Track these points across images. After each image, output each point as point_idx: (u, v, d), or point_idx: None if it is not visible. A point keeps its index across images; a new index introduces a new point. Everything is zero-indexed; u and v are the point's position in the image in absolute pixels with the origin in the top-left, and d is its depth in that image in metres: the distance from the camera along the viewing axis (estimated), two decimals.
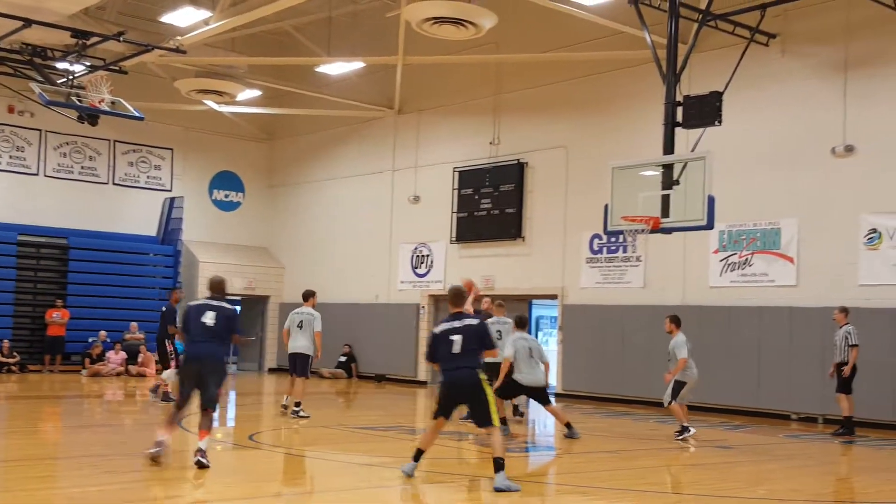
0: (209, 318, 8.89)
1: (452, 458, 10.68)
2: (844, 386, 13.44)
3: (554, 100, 19.79)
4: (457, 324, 8.28)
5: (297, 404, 13.54)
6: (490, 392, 8.20)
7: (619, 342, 17.89)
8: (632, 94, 18.09)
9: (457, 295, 8.50)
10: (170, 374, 14.75)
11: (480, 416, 8.14)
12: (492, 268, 20.59)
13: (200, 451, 8.59)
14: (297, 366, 13.70)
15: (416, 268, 22.47)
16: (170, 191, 25.51)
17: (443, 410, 8.32)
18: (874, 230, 14.89)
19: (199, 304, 9.16)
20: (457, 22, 15.78)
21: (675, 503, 8.13)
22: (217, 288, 9.21)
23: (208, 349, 8.88)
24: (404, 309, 22.44)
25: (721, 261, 16.64)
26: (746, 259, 16.32)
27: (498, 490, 7.74)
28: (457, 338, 8.12)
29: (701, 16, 14.45)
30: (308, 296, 14.16)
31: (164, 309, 15.57)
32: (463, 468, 10.00)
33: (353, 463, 9.99)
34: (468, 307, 11.29)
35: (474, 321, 8.36)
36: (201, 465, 8.48)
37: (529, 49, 19.73)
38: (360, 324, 23.39)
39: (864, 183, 15.07)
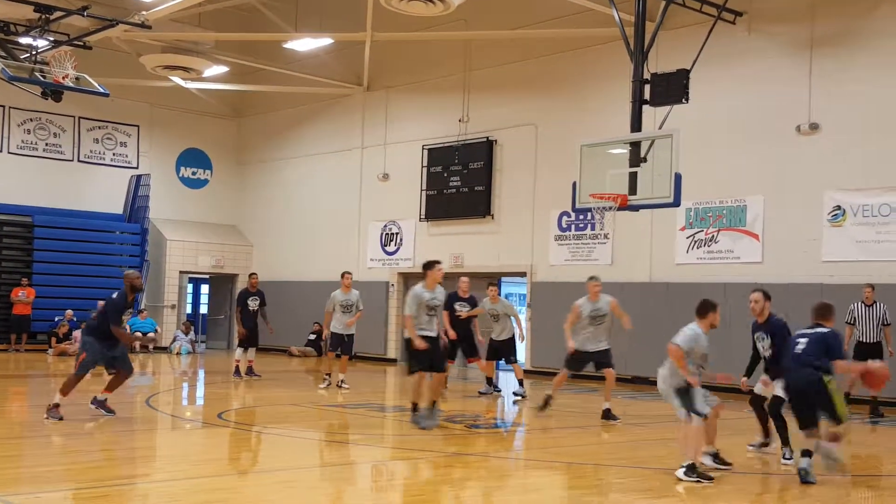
0: None
1: (421, 435, 10.74)
2: None
3: (523, 77, 19.78)
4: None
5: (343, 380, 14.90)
6: None
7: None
8: (600, 72, 18.12)
9: (827, 308, 8.49)
10: (239, 353, 16.39)
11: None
12: (461, 246, 20.62)
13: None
14: (347, 345, 14.98)
15: (386, 245, 22.46)
16: (136, 168, 25.24)
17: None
18: (838, 207, 15.08)
19: None
20: None
21: (640, 477, 8.24)
22: None
23: None
24: (374, 287, 22.42)
25: (688, 238, 16.79)
26: (713, 236, 16.48)
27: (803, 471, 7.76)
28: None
29: None
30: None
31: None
32: (430, 444, 10.06)
33: (323, 440, 10.02)
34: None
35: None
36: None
37: (499, 26, 19.69)
38: None
39: (829, 160, 15.24)
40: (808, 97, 15.45)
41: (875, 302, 13.15)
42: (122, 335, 10.56)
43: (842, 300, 14.35)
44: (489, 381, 14.67)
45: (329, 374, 15.14)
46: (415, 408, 10.45)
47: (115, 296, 10.66)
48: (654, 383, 11.72)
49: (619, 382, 16.72)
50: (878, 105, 14.80)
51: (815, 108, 15.40)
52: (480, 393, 14.55)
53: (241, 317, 16.15)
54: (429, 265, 10.62)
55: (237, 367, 16.20)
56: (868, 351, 13.02)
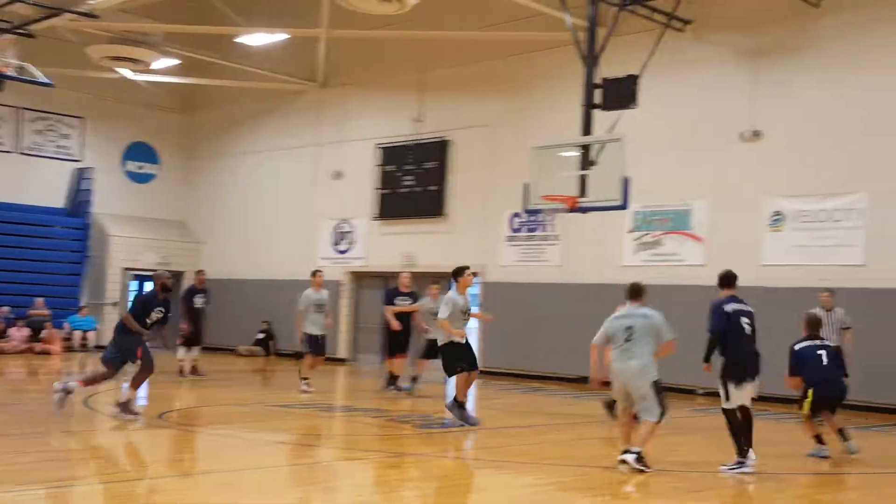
0: None
1: (369, 436, 10.73)
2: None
3: (478, 78, 19.85)
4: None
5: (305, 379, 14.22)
6: None
7: (537, 319, 18.13)
8: (553, 75, 18.26)
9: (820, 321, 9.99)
10: (181, 352, 15.91)
11: None
12: (414, 245, 20.60)
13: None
14: (323, 346, 14.49)
15: (338, 244, 22.35)
16: (80, 161, 24.76)
17: None
18: (778, 213, 15.44)
19: None
20: None
21: (583, 475, 8.33)
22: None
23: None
24: (325, 286, 22.25)
25: (634, 240, 17.01)
26: (658, 239, 16.72)
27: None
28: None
29: (620, 0, 14.66)
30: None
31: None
32: (378, 445, 10.05)
33: (269, 441, 9.94)
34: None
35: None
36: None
37: (455, 27, 19.71)
38: (279, 300, 23.14)
39: (770, 167, 15.58)
40: (751, 105, 15.75)
41: (834, 307, 12.98)
42: (139, 331, 10.83)
43: (780, 303, 14.72)
44: (414, 379, 14.39)
45: (308, 378, 14.28)
46: (461, 405, 10.83)
47: (146, 292, 11.01)
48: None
49: (563, 382, 16.93)
50: (816, 114, 15.17)
51: (757, 115, 15.71)
52: (400, 389, 14.35)
53: (187, 314, 15.87)
54: (459, 271, 11.06)
55: (181, 366, 15.90)
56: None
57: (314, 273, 14.93)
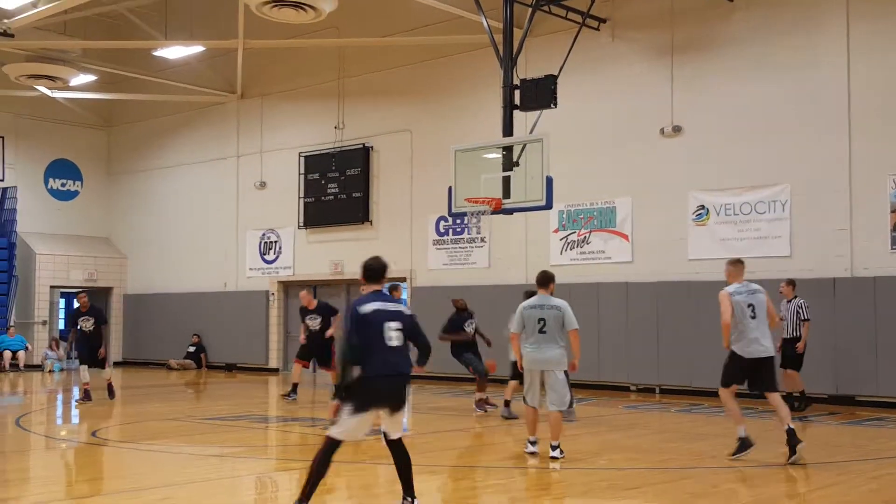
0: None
1: (305, 445, 10.74)
2: (796, 362, 12.94)
3: (397, 84, 19.94)
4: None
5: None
6: None
7: None
8: (472, 78, 18.44)
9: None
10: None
11: None
12: (340, 252, 20.60)
13: None
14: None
15: (265, 254, 22.23)
16: (2, 181, 24.18)
17: None
18: (702, 207, 15.78)
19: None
20: (296, 5, 15.66)
21: (519, 476, 8.47)
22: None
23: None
24: (253, 296, 22.18)
25: (561, 240, 17.26)
26: (585, 237, 17.00)
27: None
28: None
29: (535, 0, 14.89)
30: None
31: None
32: (312, 454, 10.05)
33: (203, 454, 9.89)
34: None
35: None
36: None
37: (371, 33, 19.80)
38: (208, 313, 22.97)
39: (692, 162, 15.90)
40: (670, 101, 16.09)
41: (795, 297, 13.14)
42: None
43: (708, 296, 15.03)
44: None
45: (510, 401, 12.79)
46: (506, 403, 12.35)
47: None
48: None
49: (493, 384, 17.07)
50: (734, 107, 15.49)
51: (677, 111, 16.06)
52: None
53: (75, 336, 15.20)
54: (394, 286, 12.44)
55: (109, 385, 15.28)
56: (787, 346, 12.97)
57: (396, 286, 13.17)
